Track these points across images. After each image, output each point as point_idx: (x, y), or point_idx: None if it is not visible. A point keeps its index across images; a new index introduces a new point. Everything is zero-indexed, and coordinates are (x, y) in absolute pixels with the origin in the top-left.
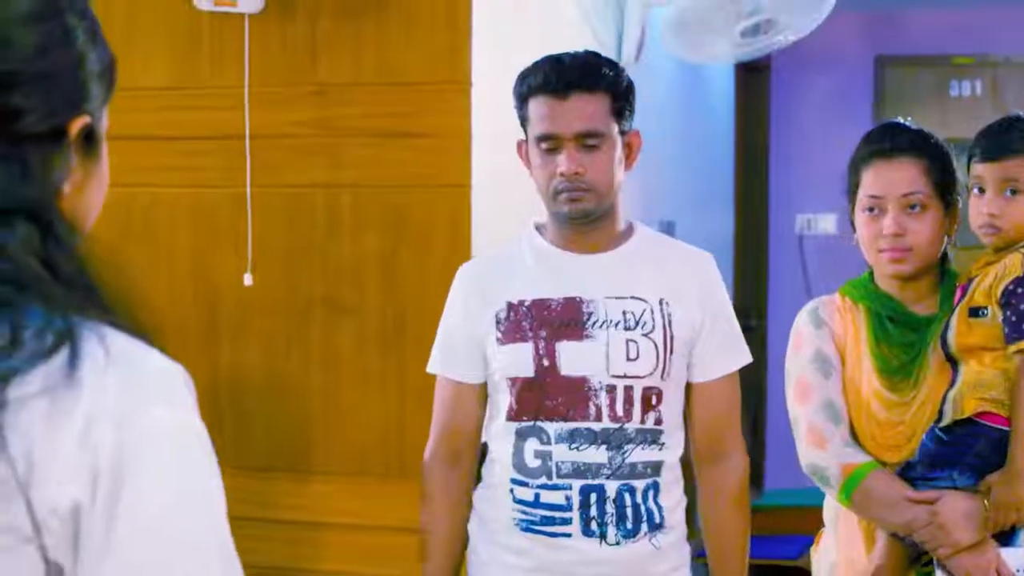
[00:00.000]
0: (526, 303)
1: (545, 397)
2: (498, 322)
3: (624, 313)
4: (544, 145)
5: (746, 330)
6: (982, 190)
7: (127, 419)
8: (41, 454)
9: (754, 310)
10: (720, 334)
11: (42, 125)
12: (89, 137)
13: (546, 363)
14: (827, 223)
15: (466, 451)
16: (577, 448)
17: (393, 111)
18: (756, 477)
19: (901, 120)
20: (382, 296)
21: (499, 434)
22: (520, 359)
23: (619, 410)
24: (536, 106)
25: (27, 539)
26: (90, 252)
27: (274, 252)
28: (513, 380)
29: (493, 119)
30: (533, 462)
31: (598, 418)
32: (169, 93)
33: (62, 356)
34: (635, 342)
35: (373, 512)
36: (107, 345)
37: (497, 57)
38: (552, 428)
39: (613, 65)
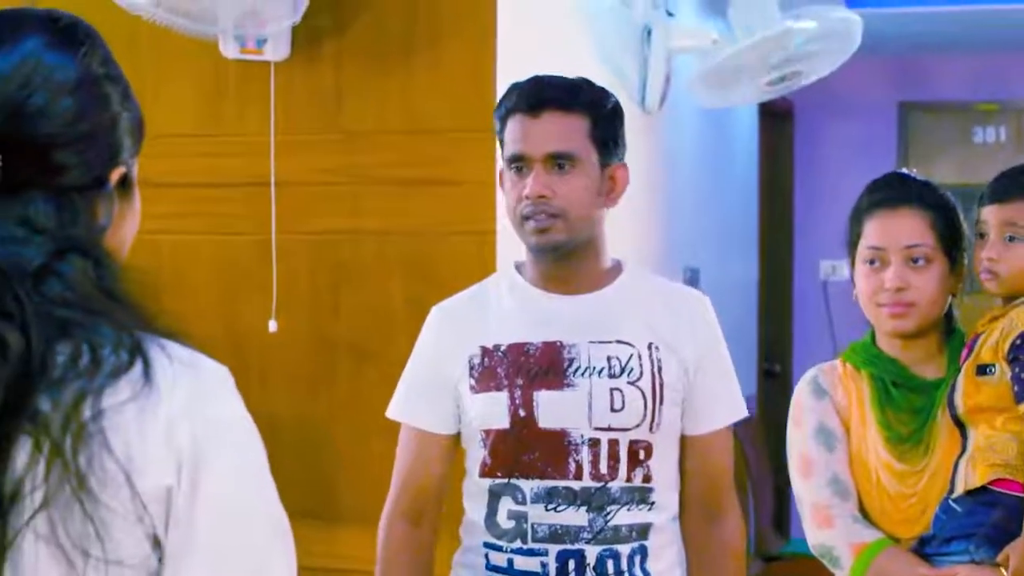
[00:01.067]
0: (502, 348)
1: (521, 452)
2: (471, 368)
3: (609, 359)
4: (514, 166)
5: (770, 376)
6: (983, 235)
7: (198, 414)
8: (136, 450)
9: (778, 356)
10: (715, 383)
11: (85, 177)
12: (124, 182)
13: (522, 414)
14: None
15: (429, 508)
16: (555, 509)
17: (418, 158)
18: (781, 524)
19: (907, 171)
20: (407, 342)
21: (472, 492)
22: (494, 409)
23: (602, 467)
24: (511, 126)
25: (137, 520)
26: (130, 277)
27: (299, 298)
28: (487, 432)
29: None
30: (507, 523)
31: (578, 476)
32: (195, 140)
33: (138, 367)
34: (620, 391)
35: None
36: (168, 353)
37: None
38: (528, 486)
39: (599, 90)
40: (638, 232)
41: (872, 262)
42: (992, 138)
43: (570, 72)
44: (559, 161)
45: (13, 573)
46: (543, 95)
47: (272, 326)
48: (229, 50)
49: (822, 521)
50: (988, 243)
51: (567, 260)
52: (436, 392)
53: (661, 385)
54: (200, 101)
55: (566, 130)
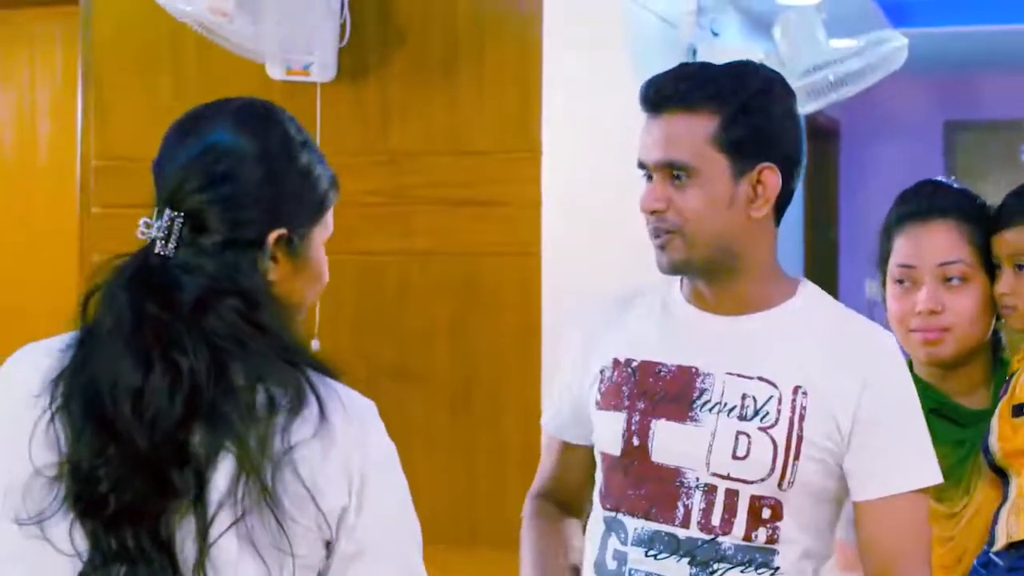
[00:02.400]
0: (633, 363)
1: (628, 485)
2: (600, 381)
3: (744, 397)
4: (641, 173)
5: None
6: (998, 267)
7: (363, 447)
8: (320, 477)
9: None
10: (886, 442)
11: (248, 235)
12: (291, 242)
13: (636, 442)
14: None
15: (572, 502)
16: (654, 556)
17: (463, 179)
18: None
19: (942, 179)
20: (452, 363)
21: (592, 518)
22: (610, 431)
23: (715, 518)
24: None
25: (318, 529)
26: (294, 321)
27: (344, 319)
28: (604, 456)
29: (563, 187)
30: (611, 563)
31: (685, 523)
32: None
33: (314, 406)
34: (747, 436)
35: None
36: (333, 391)
37: (568, 125)
38: (631, 525)
39: (743, 77)
40: None
41: (902, 282)
42: None
43: (617, 92)
44: (674, 172)
45: (213, 569)
46: (663, 89)
47: (315, 345)
48: (275, 72)
49: (847, 564)
50: (1001, 276)
51: (711, 278)
52: (572, 401)
53: (799, 439)
54: None
55: (681, 134)
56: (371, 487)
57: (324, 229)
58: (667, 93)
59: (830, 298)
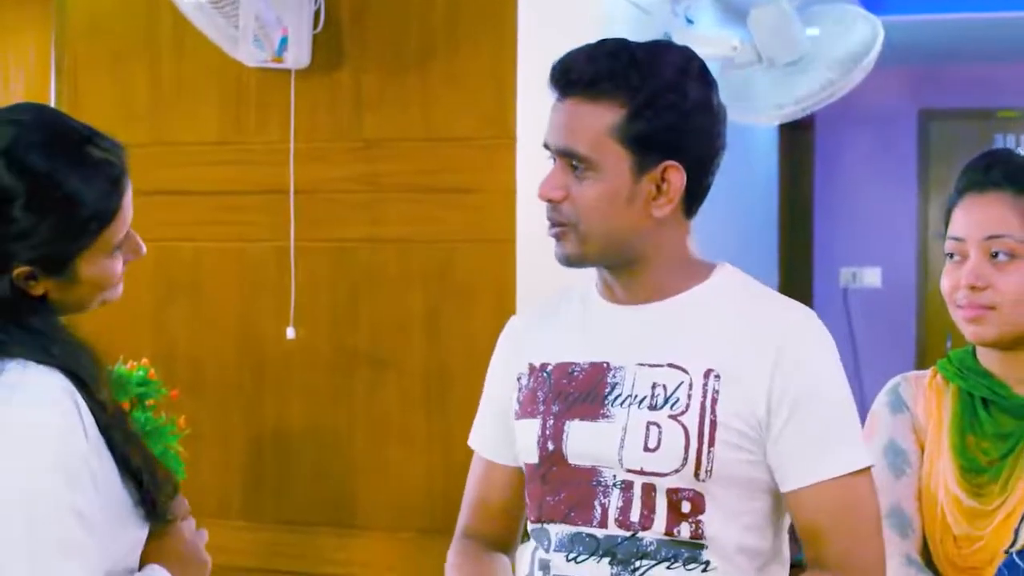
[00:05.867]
0: (548, 367)
1: (548, 492)
2: (519, 390)
3: (654, 386)
4: (549, 156)
5: None
6: (952, 255)
7: None
8: None
9: None
10: (810, 424)
11: None
12: (52, 270)
13: (551, 447)
14: (872, 276)
15: (502, 536)
16: (575, 560)
17: (438, 167)
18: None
19: (1010, 149)
20: (426, 351)
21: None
22: (527, 440)
23: (633, 514)
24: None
25: None
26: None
27: (318, 306)
28: (526, 467)
29: (539, 174)
30: (536, 574)
31: (603, 523)
32: (215, 148)
33: None
34: (658, 426)
35: (415, 567)
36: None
37: (543, 112)
38: (553, 531)
39: (653, 65)
40: None
41: (952, 256)
42: (1013, 145)
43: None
44: (573, 162)
45: None
46: (570, 72)
47: (290, 333)
48: (249, 57)
49: None
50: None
51: (614, 271)
52: (496, 416)
53: (713, 424)
54: (220, 109)
55: (583, 124)
56: None
57: (104, 247)
58: (573, 78)
59: (749, 279)
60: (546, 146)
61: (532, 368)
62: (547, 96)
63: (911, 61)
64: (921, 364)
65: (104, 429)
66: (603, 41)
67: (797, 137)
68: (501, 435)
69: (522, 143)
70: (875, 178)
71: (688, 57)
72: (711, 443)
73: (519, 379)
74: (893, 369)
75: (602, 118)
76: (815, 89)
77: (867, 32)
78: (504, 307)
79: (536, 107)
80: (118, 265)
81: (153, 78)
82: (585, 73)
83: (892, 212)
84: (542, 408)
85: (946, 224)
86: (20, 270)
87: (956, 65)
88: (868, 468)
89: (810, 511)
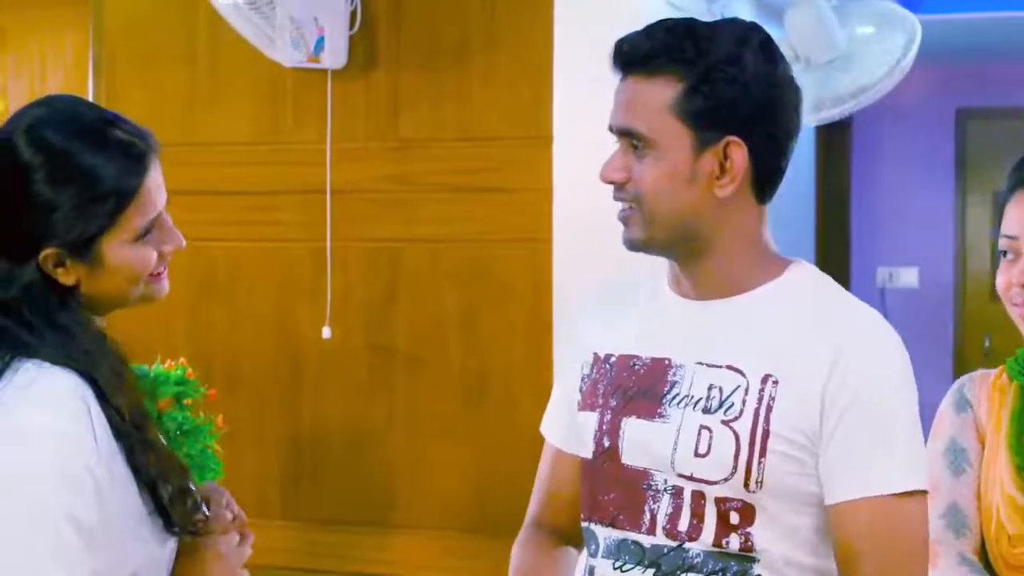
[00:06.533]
0: (612, 358)
1: (599, 491)
2: (583, 379)
3: (710, 388)
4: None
5: None
6: (1005, 253)
7: None
8: None
9: None
10: (859, 435)
11: (10, 252)
12: (74, 255)
13: (607, 444)
14: (909, 276)
15: (570, 526)
16: (620, 568)
17: (474, 166)
18: None
19: None
20: (462, 350)
21: None
22: (584, 433)
23: (681, 523)
24: None
25: None
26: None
27: (354, 306)
28: (582, 462)
29: (574, 173)
30: None
31: (650, 530)
32: (252, 148)
33: None
34: (709, 430)
35: (455, 565)
36: (18, 387)
37: (578, 111)
38: (601, 535)
39: (712, 38)
40: None
41: (1005, 253)
42: None
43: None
44: (633, 141)
45: None
46: (628, 50)
47: (326, 332)
48: (286, 58)
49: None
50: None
51: (681, 260)
52: (563, 402)
53: (766, 433)
54: (257, 110)
55: (641, 101)
56: None
57: (129, 228)
58: (630, 54)
59: (823, 279)
60: (610, 128)
61: (597, 358)
62: (582, 95)
63: (949, 60)
64: (958, 365)
65: (119, 436)
66: (662, 21)
67: (834, 136)
68: (570, 423)
69: (558, 142)
70: (912, 178)
71: (749, 29)
72: (762, 453)
73: (584, 368)
74: (930, 370)
75: (659, 94)
76: (853, 89)
77: (905, 31)
78: (540, 305)
79: (571, 106)
80: (149, 254)
81: (190, 78)
82: (641, 49)
83: (929, 212)
84: (601, 401)
85: (998, 222)
86: (46, 253)
87: (994, 64)
88: (919, 492)
89: (848, 529)
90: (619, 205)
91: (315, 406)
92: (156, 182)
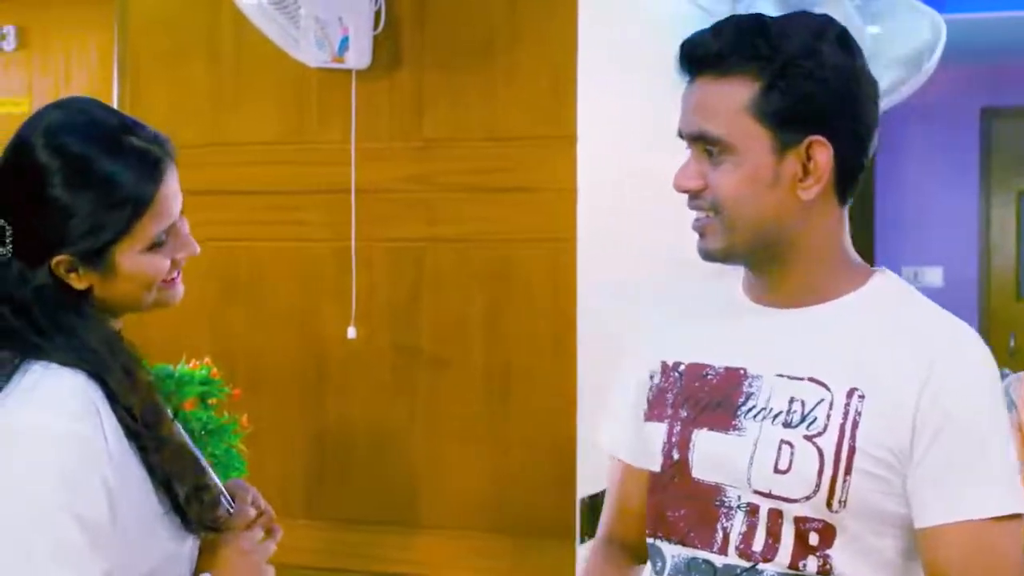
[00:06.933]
0: (681, 366)
1: (667, 506)
2: (650, 388)
3: (791, 401)
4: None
5: None
6: None
7: None
8: None
9: None
10: (953, 456)
11: (27, 255)
12: (86, 262)
13: (676, 456)
14: (933, 276)
15: (641, 542)
16: None
17: (498, 165)
18: None
19: None
20: (486, 350)
21: None
22: (651, 445)
23: (756, 543)
24: None
25: None
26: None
27: (379, 306)
28: (650, 474)
29: (598, 172)
30: None
31: (722, 549)
32: (277, 148)
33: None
34: (791, 445)
35: (479, 565)
36: (24, 389)
37: (602, 110)
38: (668, 552)
39: (785, 33)
40: None
41: None
42: None
43: (654, 77)
44: (708, 146)
45: None
46: (696, 51)
47: (351, 333)
48: (311, 58)
49: None
50: None
51: (761, 267)
52: (627, 414)
53: (851, 449)
54: (281, 109)
55: (714, 103)
56: None
57: (143, 237)
58: (700, 55)
59: (910, 289)
60: (680, 135)
61: (665, 366)
62: (606, 94)
63: (973, 59)
64: None
65: (131, 436)
66: (730, 17)
67: None
68: (635, 435)
69: (582, 142)
70: (936, 177)
71: (824, 21)
72: (847, 471)
73: (651, 376)
74: None
75: (734, 95)
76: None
77: (930, 30)
78: (563, 306)
79: (595, 105)
80: (162, 262)
81: (214, 78)
82: (710, 48)
83: (953, 211)
84: (670, 412)
85: None
86: (59, 259)
87: (1019, 63)
88: (1017, 516)
89: (939, 553)
90: (693, 214)
91: (339, 406)
92: (172, 189)
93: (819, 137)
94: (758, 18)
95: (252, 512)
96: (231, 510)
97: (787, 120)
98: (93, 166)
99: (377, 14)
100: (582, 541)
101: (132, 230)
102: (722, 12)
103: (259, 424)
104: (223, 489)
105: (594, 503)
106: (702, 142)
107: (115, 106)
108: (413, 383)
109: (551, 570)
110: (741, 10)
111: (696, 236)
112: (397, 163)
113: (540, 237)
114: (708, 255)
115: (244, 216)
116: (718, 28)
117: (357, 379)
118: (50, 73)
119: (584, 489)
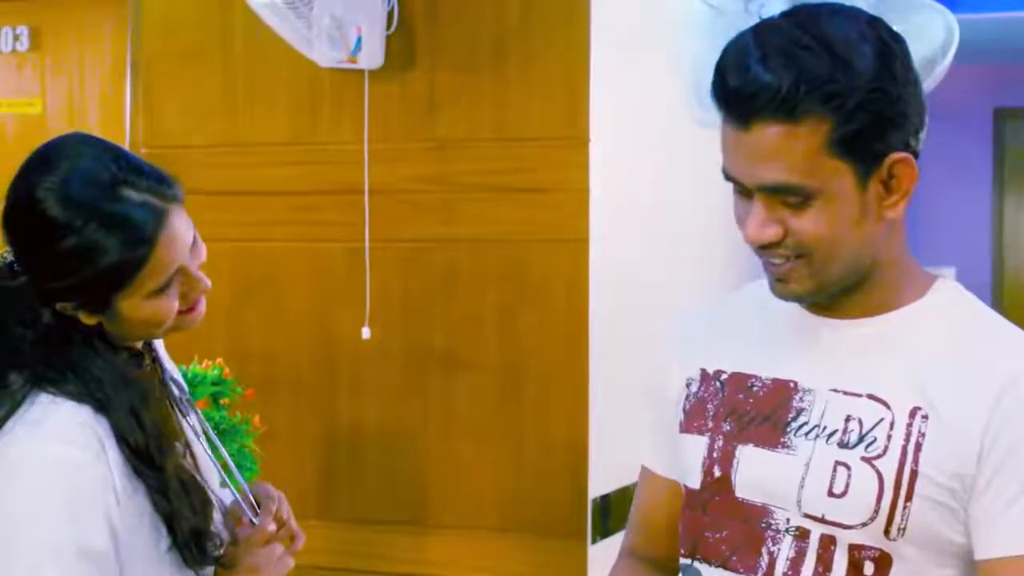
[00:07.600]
0: (723, 375)
1: (707, 526)
2: (687, 397)
3: (847, 419)
4: (735, 187)
5: None
6: None
7: None
8: None
9: None
10: (1020, 482)
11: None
12: (92, 308)
13: (717, 473)
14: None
15: (669, 557)
16: None
17: (511, 166)
18: None
19: None
20: (500, 350)
21: None
22: (691, 460)
23: (805, 570)
24: (722, 128)
25: None
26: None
27: (392, 306)
28: (685, 490)
29: (611, 173)
30: None
31: (768, 575)
32: (289, 148)
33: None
34: (847, 467)
35: (491, 566)
36: (27, 421)
37: (616, 111)
38: (708, 575)
39: (851, 62)
40: (722, 243)
41: None
42: None
43: (667, 79)
44: (783, 197)
45: None
46: (754, 99)
47: (365, 333)
48: (324, 58)
49: None
50: None
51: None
52: (660, 423)
53: (913, 473)
54: (294, 110)
55: (786, 150)
56: None
57: (142, 290)
58: (761, 103)
59: (974, 300)
60: (733, 180)
61: (704, 374)
62: (620, 96)
63: (987, 59)
64: None
65: (136, 472)
66: (769, 43)
67: None
68: (669, 446)
69: (595, 142)
70: (949, 178)
71: (865, 23)
72: (908, 497)
73: (688, 385)
74: None
75: (810, 139)
76: None
77: (944, 30)
78: (577, 307)
79: (609, 106)
80: (168, 304)
81: (227, 78)
82: (770, 88)
83: (966, 212)
84: (711, 424)
85: None
86: (63, 305)
87: None
88: None
89: None
90: (774, 264)
91: (353, 406)
92: (173, 238)
93: (900, 154)
94: (806, 47)
95: (273, 527)
96: (254, 521)
97: (869, 148)
98: (79, 235)
99: (390, 14)
100: (594, 541)
101: (128, 287)
102: (735, 11)
103: (273, 424)
104: (248, 492)
105: (606, 503)
106: (780, 194)
107: (128, 108)
108: (427, 383)
109: (563, 570)
110: (754, 10)
111: (771, 278)
112: (410, 163)
113: (553, 238)
114: (794, 297)
115: (257, 217)
116: (766, 63)
117: (371, 379)
118: (63, 74)
119: (596, 489)
